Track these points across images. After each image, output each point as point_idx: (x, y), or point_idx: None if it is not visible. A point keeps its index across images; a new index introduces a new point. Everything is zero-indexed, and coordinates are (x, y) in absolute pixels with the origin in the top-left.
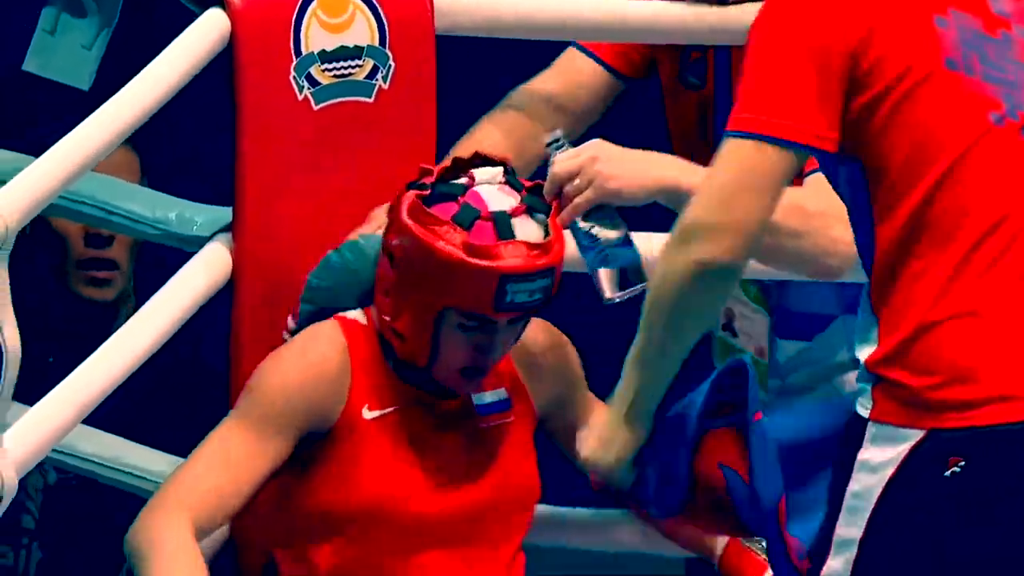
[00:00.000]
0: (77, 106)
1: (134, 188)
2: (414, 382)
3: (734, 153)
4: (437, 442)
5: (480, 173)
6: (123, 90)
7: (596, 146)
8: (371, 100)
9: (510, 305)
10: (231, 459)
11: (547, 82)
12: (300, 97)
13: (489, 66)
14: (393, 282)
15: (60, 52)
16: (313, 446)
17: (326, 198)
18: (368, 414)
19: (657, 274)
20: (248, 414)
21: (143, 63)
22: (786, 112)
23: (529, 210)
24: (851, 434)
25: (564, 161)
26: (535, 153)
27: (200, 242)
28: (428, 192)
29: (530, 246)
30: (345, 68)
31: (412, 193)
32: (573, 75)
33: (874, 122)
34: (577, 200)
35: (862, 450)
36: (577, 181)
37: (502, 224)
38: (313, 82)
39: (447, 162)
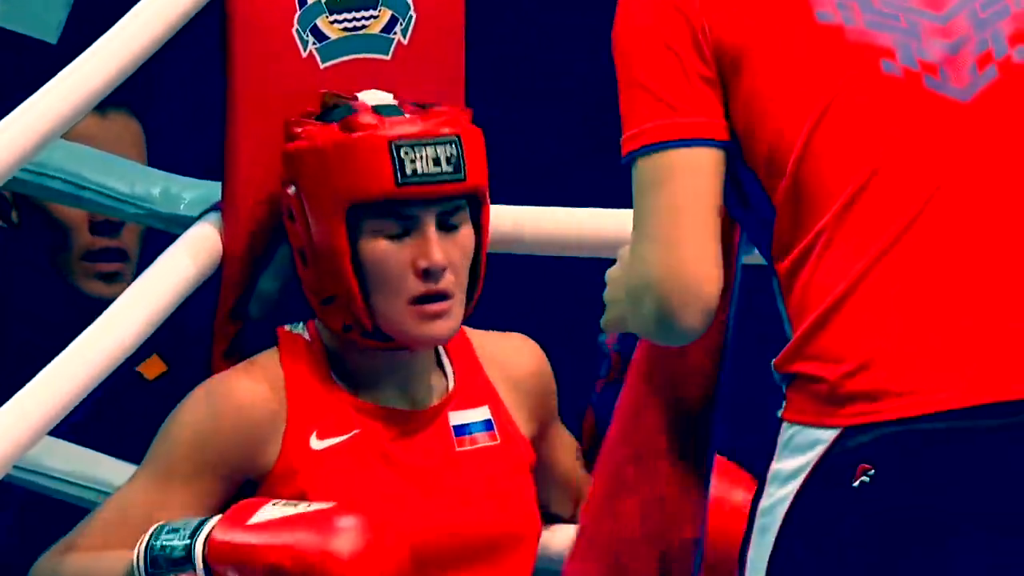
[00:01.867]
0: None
1: (110, 159)
2: (370, 397)
3: (648, 172)
4: (407, 470)
5: (365, 93)
6: (96, 44)
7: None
8: (388, 57)
9: (415, 178)
10: (130, 518)
11: None
12: (304, 54)
13: (525, 19)
14: (300, 235)
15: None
16: (256, 494)
17: None
18: (317, 444)
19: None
20: (154, 466)
21: (118, 16)
22: (675, 111)
23: (418, 106)
24: (771, 442)
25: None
26: None
27: (188, 223)
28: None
29: (420, 112)
30: (357, 19)
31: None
32: None
33: (742, 96)
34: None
35: (774, 459)
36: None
37: (384, 109)
38: (320, 36)
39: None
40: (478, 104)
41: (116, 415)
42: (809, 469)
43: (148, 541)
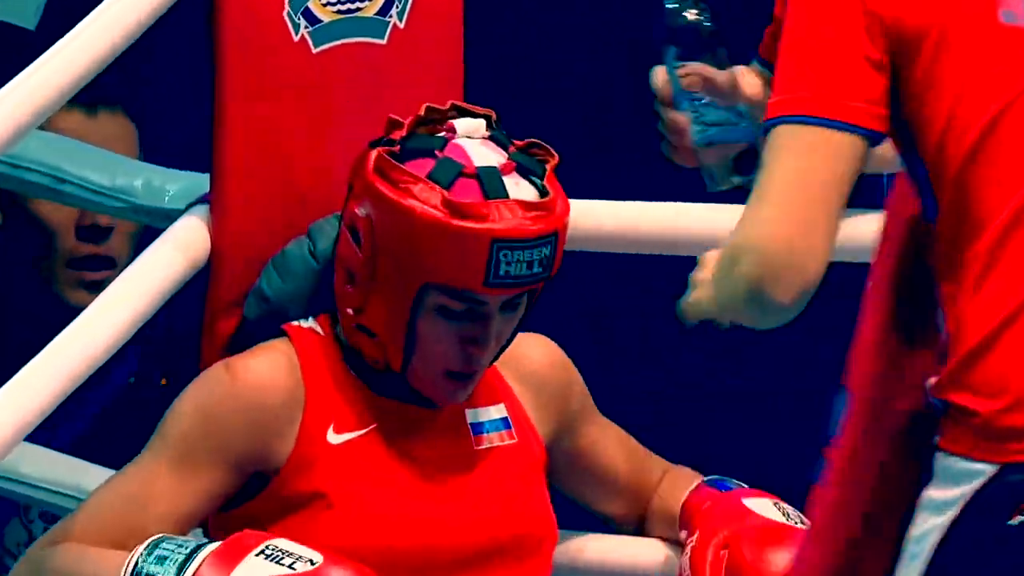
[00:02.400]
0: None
1: (90, 150)
2: (388, 394)
3: (790, 138)
4: (425, 468)
5: (461, 124)
6: (76, 29)
7: None
8: (383, 42)
9: (505, 279)
10: (128, 507)
11: None
12: (296, 37)
13: (524, 18)
14: (358, 263)
15: None
16: (264, 489)
17: (327, 162)
18: (334, 438)
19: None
20: (163, 452)
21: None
22: (834, 89)
23: (520, 169)
24: (924, 464)
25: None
26: None
27: (172, 217)
28: (398, 148)
29: (526, 205)
30: (351, 1)
31: (378, 150)
32: None
33: (915, 83)
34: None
35: (929, 485)
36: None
37: (491, 180)
38: (312, 19)
39: (419, 112)
40: (478, 104)
41: (119, 431)
42: (964, 502)
43: (136, 563)
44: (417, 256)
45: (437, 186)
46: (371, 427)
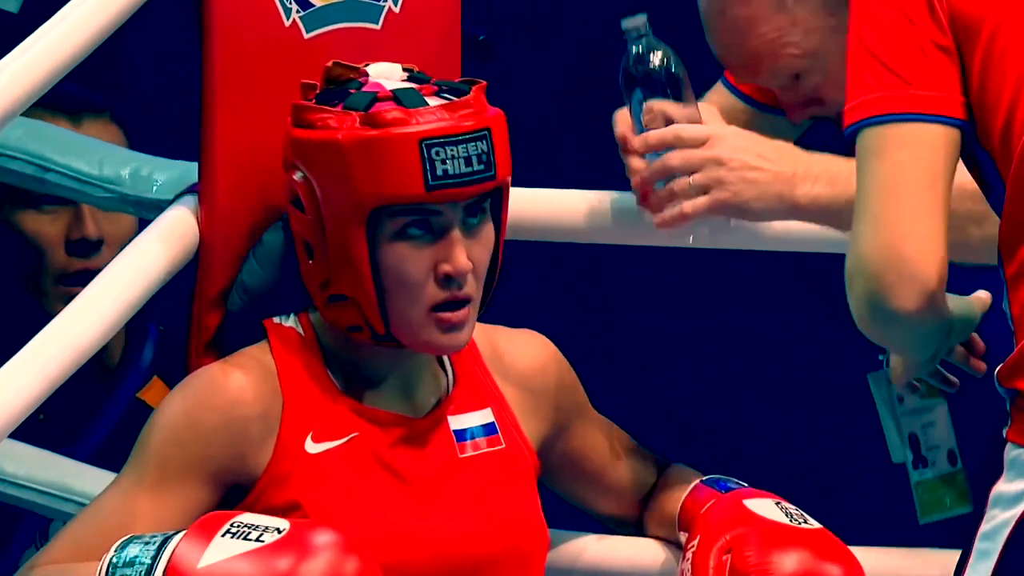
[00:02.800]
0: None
1: (75, 138)
2: (368, 379)
3: (875, 140)
4: (406, 478)
5: (374, 68)
6: (61, 12)
7: (723, 139)
8: (378, 27)
9: (446, 180)
10: (106, 530)
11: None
12: (287, 22)
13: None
14: (309, 228)
15: None
16: (242, 501)
17: None
18: (313, 447)
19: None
20: (140, 470)
21: None
22: (907, 83)
23: (442, 91)
24: (993, 460)
25: (683, 154)
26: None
27: (160, 207)
28: (312, 101)
29: (448, 106)
30: None
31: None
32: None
33: (977, 68)
34: (688, 208)
35: (1000, 481)
36: (692, 179)
37: (409, 96)
38: (304, 3)
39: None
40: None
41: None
42: None
43: (109, 564)
44: (353, 182)
45: (354, 112)
46: (352, 436)
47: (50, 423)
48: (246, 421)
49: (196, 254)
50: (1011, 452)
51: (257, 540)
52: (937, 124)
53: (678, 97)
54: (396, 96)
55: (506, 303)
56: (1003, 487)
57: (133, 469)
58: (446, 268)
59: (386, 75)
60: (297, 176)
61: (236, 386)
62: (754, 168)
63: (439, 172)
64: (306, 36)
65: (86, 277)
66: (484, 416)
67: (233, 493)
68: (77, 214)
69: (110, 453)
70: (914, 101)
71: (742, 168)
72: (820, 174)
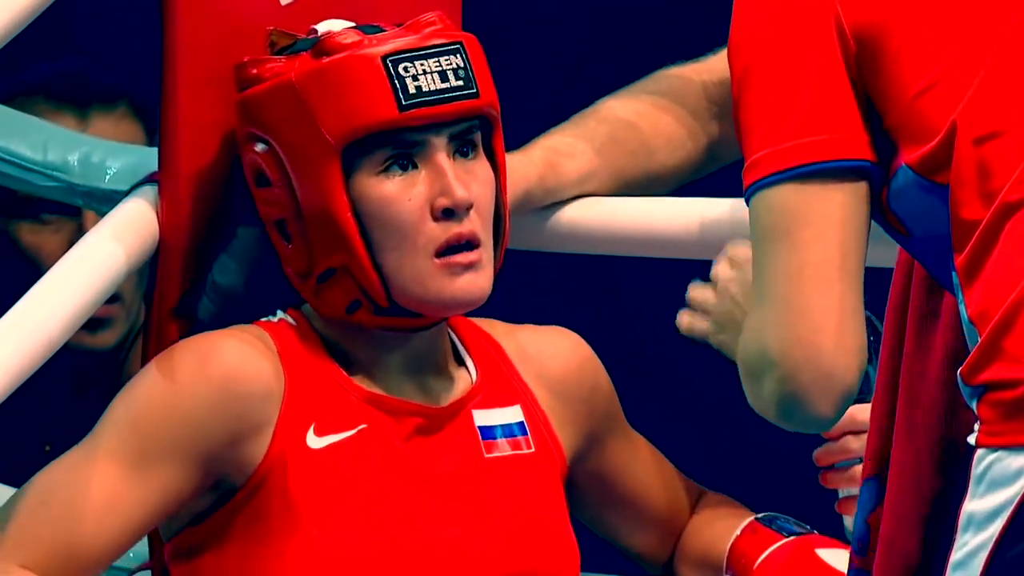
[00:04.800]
0: None
1: (16, 117)
2: (375, 368)
3: (769, 214)
4: (423, 481)
5: (323, 24)
6: None
7: None
8: None
9: (421, 97)
10: (93, 503)
11: (711, 72)
12: None
13: None
14: (279, 201)
15: None
16: (229, 502)
17: None
18: (315, 441)
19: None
20: (111, 446)
21: None
22: (817, 125)
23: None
24: (963, 479)
25: (863, 439)
26: (658, 167)
27: (114, 199)
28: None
29: (410, 26)
30: None
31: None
32: None
33: (884, 80)
34: None
35: (967, 498)
36: None
37: (365, 28)
38: None
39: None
40: None
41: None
42: (1014, 505)
43: None
44: (315, 122)
45: (303, 53)
46: (359, 428)
47: (57, 452)
48: (245, 399)
49: (155, 253)
50: (981, 461)
51: None
52: (842, 174)
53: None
54: (350, 29)
55: (521, 315)
56: (973, 505)
57: (99, 444)
58: (442, 201)
59: (336, 27)
60: (257, 148)
61: (235, 357)
62: None
63: (411, 90)
64: (283, 3)
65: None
66: (514, 414)
67: (217, 489)
68: (80, 227)
69: None
70: (809, 149)
71: None
72: None
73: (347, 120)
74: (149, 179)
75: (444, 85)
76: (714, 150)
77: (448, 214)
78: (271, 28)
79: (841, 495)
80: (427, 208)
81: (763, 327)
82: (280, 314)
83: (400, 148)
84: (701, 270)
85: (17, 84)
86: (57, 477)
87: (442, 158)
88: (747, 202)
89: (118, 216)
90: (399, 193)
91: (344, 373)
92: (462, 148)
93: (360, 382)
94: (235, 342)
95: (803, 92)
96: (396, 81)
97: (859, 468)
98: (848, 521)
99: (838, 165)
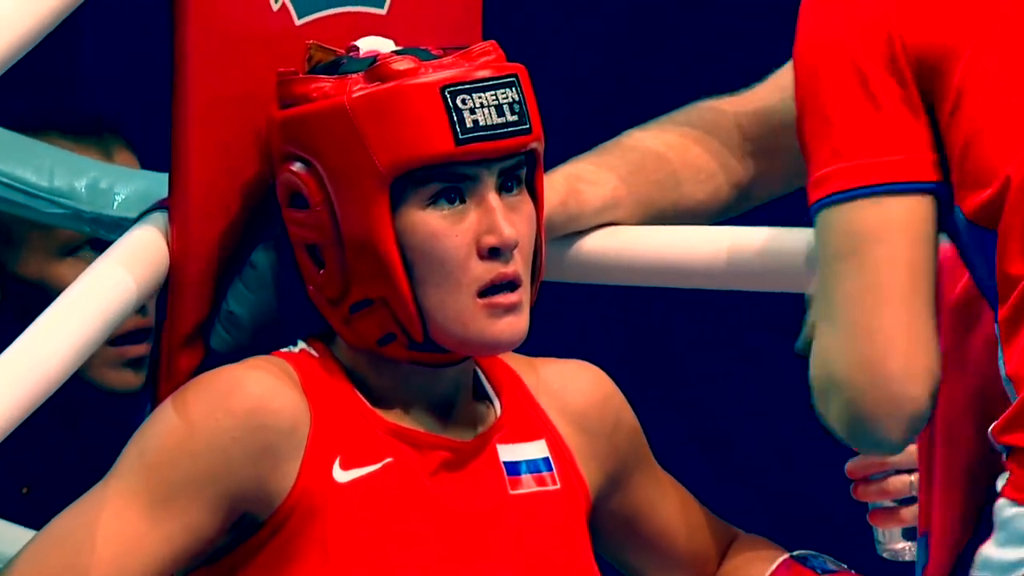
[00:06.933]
0: None
1: (22, 142)
2: (398, 400)
3: (838, 232)
4: (448, 517)
5: (364, 42)
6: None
7: None
8: (383, 12)
9: (477, 131)
10: (114, 546)
11: (746, 105)
12: (275, 6)
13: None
14: (316, 226)
15: None
16: (251, 538)
17: None
18: (342, 475)
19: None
20: (129, 486)
21: None
22: (890, 145)
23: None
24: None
25: (911, 448)
26: (686, 198)
27: (123, 225)
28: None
29: (464, 54)
30: None
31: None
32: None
33: (949, 112)
34: (909, 515)
35: (988, 541)
36: (914, 478)
37: (417, 52)
38: None
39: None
40: None
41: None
42: None
43: None
44: (368, 150)
45: (355, 75)
46: (385, 461)
47: (38, 496)
48: (272, 433)
49: (166, 282)
50: (1005, 510)
51: None
52: (908, 195)
53: None
54: (400, 53)
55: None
56: (991, 551)
57: (118, 485)
58: (490, 239)
59: (379, 46)
60: (295, 167)
61: (259, 390)
62: None
63: (468, 124)
64: (298, 22)
65: (135, 333)
66: (539, 448)
67: (240, 525)
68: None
69: None
70: (877, 170)
71: None
72: None
73: (401, 150)
74: (158, 205)
75: (500, 120)
76: (748, 187)
77: (494, 253)
78: (310, 42)
79: (871, 507)
80: (473, 245)
81: (829, 348)
82: (301, 344)
83: (451, 182)
84: (728, 299)
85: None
86: (74, 520)
87: (491, 195)
88: (813, 216)
89: (127, 244)
90: (447, 228)
91: (367, 404)
92: (507, 183)
93: (384, 414)
94: (258, 374)
95: (873, 109)
96: (453, 114)
97: (893, 479)
98: (879, 533)
99: (911, 187)
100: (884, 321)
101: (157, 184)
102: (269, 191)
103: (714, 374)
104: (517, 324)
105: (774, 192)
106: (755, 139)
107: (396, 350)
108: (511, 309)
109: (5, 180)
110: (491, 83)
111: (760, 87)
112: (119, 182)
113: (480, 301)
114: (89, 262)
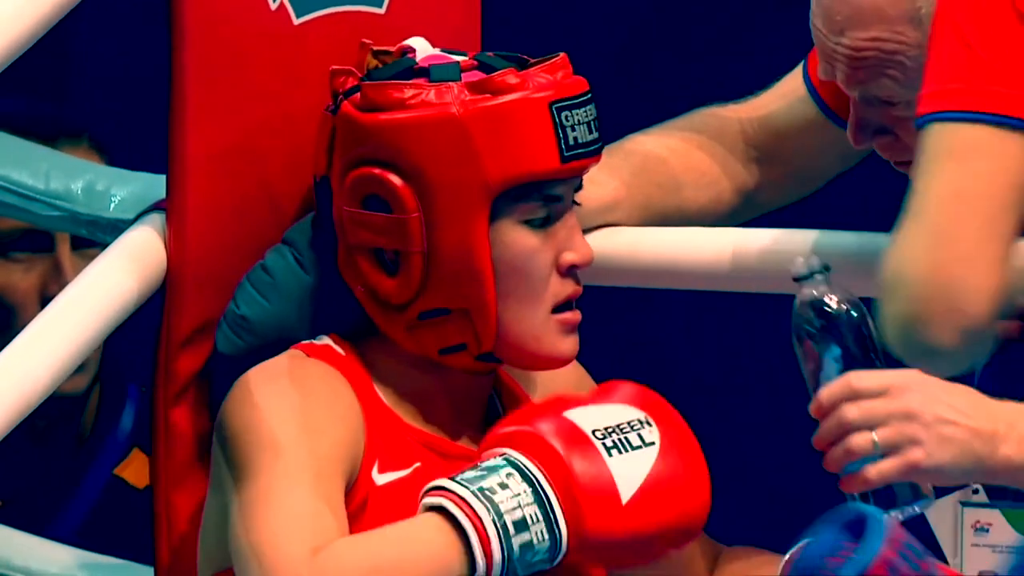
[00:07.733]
0: None
1: (17, 144)
2: (420, 406)
3: (951, 140)
4: None
5: (418, 43)
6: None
7: (908, 387)
8: (381, 11)
9: (578, 149)
10: (320, 502)
11: (751, 112)
12: (273, 5)
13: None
14: (395, 232)
15: None
16: None
17: (310, 158)
18: (379, 477)
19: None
20: (289, 471)
21: None
22: (998, 78)
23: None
24: None
25: (861, 405)
26: (688, 202)
27: (120, 227)
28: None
29: (548, 67)
30: None
31: (351, 98)
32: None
33: None
34: (873, 472)
35: None
36: (876, 435)
37: (499, 60)
38: None
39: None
40: None
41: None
42: None
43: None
44: (479, 162)
45: (449, 82)
46: (415, 466)
47: (16, 506)
48: (356, 415)
49: (163, 284)
50: None
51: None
52: (1022, 132)
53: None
54: (482, 62)
55: None
56: None
57: (274, 470)
58: (571, 257)
59: (430, 51)
60: (387, 173)
61: (331, 379)
62: (949, 423)
63: (570, 141)
64: (296, 21)
65: None
66: None
67: None
68: (55, 264)
69: (88, 539)
70: (1005, 101)
71: (937, 423)
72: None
73: (511, 165)
74: (156, 207)
75: (591, 137)
76: (752, 194)
77: (571, 270)
78: (363, 41)
79: (843, 473)
80: (554, 263)
81: (909, 245)
82: (324, 338)
83: (548, 199)
84: (729, 302)
85: None
86: (277, 514)
87: (570, 212)
88: (923, 123)
89: (124, 245)
90: (540, 244)
91: (393, 410)
92: (573, 200)
93: (411, 420)
94: (321, 366)
95: (1013, 47)
96: (560, 131)
97: (856, 436)
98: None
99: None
100: (968, 231)
101: (153, 186)
102: (311, 191)
103: (710, 379)
104: (577, 342)
105: (779, 200)
106: (759, 146)
107: (460, 359)
108: (575, 327)
109: (1, 183)
110: (583, 99)
111: (765, 94)
112: (116, 184)
113: (555, 317)
114: (22, 263)
